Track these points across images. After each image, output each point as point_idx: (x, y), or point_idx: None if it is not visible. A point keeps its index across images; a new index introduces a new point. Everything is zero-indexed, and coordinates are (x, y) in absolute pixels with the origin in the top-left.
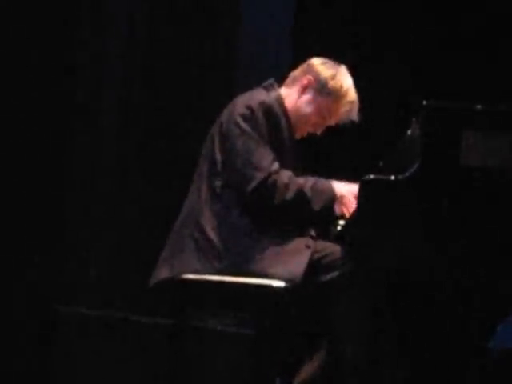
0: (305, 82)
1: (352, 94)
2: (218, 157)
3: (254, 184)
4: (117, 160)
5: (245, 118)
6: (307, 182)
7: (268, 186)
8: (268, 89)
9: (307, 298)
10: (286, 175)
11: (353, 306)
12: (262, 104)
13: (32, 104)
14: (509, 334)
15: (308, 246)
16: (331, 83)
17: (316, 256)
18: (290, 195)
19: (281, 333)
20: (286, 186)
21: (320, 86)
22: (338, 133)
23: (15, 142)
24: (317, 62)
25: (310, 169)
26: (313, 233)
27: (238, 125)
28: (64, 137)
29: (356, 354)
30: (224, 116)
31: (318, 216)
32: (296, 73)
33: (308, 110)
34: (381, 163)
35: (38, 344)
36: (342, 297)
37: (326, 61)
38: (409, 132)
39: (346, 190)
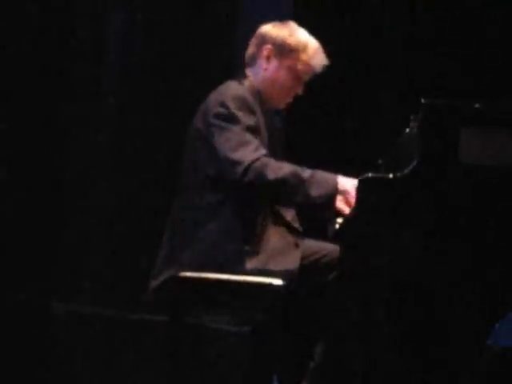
0: (265, 52)
1: (313, 42)
2: (207, 167)
3: (246, 163)
4: (113, 159)
5: (221, 117)
6: (306, 170)
7: (261, 165)
8: (239, 79)
9: (305, 299)
10: (279, 162)
11: (351, 306)
12: (235, 97)
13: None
14: (507, 332)
15: (297, 245)
16: (290, 40)
17: (314, 257)
18: (284, 171)
19: (278, 331)
20: (280, 166)
21: (281, 48)
22: (337, 131)
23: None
24: (266, 29)
25: (308, 167)
26: (300, 229)
27: (215, 125)
28: (59, 132)
29: (353, 354)
30: (199, 120)
31: (315, 204)
32: (251, 50)
33: (281, 76)
34: (379, 161)
35: (34, 342)
36: (339, 298)
37: (274, 23)
38: (407, 130)
39: (351, 186)
